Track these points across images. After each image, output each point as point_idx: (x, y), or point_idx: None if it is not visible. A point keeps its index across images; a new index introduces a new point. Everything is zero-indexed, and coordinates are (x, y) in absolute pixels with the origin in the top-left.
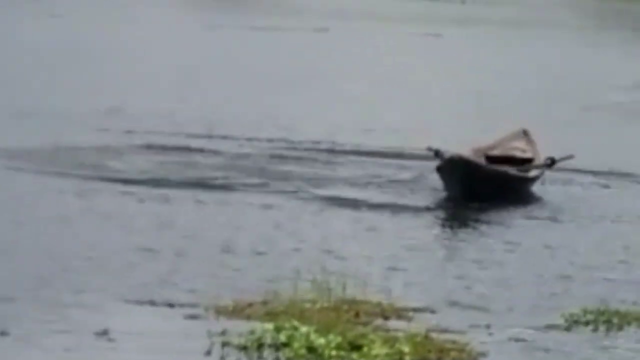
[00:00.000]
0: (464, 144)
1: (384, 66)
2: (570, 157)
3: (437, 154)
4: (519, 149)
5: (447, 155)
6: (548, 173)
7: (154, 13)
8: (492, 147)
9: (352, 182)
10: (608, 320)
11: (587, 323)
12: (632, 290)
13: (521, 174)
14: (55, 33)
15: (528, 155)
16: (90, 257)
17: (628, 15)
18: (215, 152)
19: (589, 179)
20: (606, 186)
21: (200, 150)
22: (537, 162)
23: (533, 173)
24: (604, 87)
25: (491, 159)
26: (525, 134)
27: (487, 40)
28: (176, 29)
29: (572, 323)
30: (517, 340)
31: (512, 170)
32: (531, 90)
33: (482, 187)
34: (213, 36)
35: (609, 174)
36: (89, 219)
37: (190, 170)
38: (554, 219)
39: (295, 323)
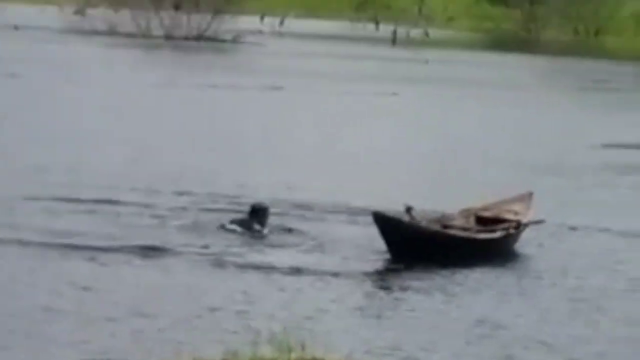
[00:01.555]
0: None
1: (332, 125)
2: (541, 221)
3: (408, 210)
4: (513, 211)
5: (372, 211)
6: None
7: (110, 74)
8: (487, 209)
9: (298, 243)
10: None
11: None
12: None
13: (469, 235)
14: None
15: (519, 218)
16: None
17: (579, 73)
18: (146, 207)
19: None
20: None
21: (125, 205)
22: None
23: (493, 235)
24: (569, 148)
25: (482, 220)
26: (529, 197)
27: (444, 99)
28: (127, 88)
29: None
30: None
31: (456, 232)
32: (488, 151)
33: (411, 246)
34: (166, 94)
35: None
36: None
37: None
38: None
39: None
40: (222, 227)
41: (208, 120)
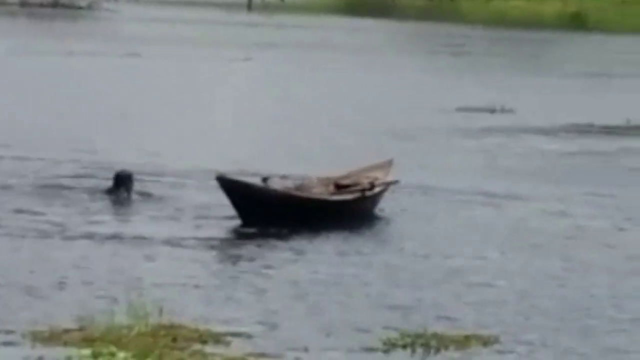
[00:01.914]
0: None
1: (187, 91)
2: (395, 182)
3: (264, 181)
4: (372, 178)
5: (218, 175)
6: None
7: None
8: (347, 177)
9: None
10: (426, 343)
11: (404, 346)
12: (451, 313)
13: (320, 197)
14: None
15: (374, 182)
16: None
17: (431, 37)
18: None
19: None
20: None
21: None
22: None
23: (346, 197)
24: (422, 112)
25: (341, 188)
26: (389, 164)
27: (298, 64)
28: None
29: (390, 346)
30: None
31: (306, 194)
32: (341, 117)
33: (261, 209)
34: (21, 61)
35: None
36: None
37: None
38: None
39: (113, 349)
40: (88, 194)
41: (65, 87)
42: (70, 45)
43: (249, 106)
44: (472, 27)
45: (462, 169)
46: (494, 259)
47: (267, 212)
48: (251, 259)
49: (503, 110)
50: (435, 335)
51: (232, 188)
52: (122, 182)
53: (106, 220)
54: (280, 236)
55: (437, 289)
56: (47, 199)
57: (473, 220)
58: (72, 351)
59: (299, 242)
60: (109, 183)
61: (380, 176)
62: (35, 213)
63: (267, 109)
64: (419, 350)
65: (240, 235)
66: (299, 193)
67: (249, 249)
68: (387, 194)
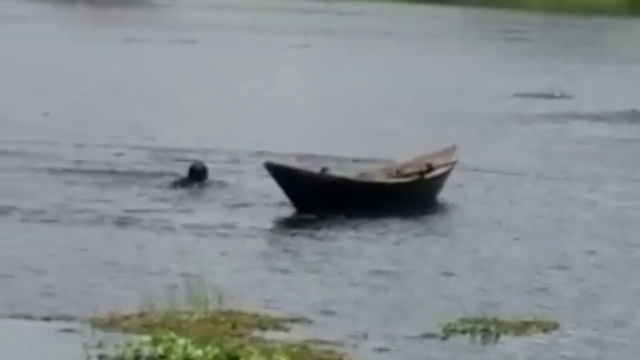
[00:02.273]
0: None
1: (244, 79)
2: (454, 162)
3: (323, 171)
4: (431, 163)
5: (266, 162)
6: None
7: (33, 28)
8: (410, 165)
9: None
10: (485, 328)
11: (464, 332)
12: (510, 299)
13: (374, 180)
14: None
15: (432, 165)
16: None
17: (490, 23)
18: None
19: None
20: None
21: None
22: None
23: (401, 180)
24: (480, 98)
25: (403, 176)
26: (453, 149)
27: (356, 51)
28: (51, 42)
29: (450, 332)
30: (395, 350)
31: (360, 178)
32: (399, 104)
33: (313, 195)
34: (85, 48)
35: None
36: None
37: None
38: (428, 226)
39: (173, 335)
40: (161, 186)
41: (124, 74)
42: (129, 32)
43: (306, 93)
44: (531, 13)
45: (522, 154)
46: (551, 247)
47: (320, 198)
48: (309, 246)
49: (562, 96)
50: (494, 321)
51: (281, 174)
52: (196, 175)
53: (175, 210)
54: (337, 222)
55: (495, 276)
56: (119, 187)
57: (531, 208)
58: (132, 337)
59: (356, 229)
60: (182, 172)
61: (443, 162)
62: (108, 201)
63: (324, 96)
64: (479, 335)
65: (298, 222)
66: (351, 177)
67: (307, 235)
68: (449, 179)
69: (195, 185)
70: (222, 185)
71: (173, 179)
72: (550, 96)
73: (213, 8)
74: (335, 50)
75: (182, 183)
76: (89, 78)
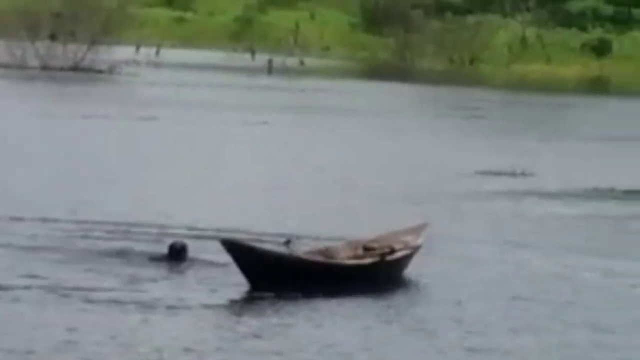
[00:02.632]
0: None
1: (203, 155)
2: (418, 246)
3: (287, 243)
4: (404, 242)
5: (222, 239)
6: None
7: None
8: (377, 240)
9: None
10: None
11: None
12: None
13: (329, 261)
14: None
15: (394, 246)
16: None
17: (450, 100)
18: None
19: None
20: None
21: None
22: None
23: (361, 262)
24: (441, 175)
25: (368, 250)
26: (423, 227)
27: (316, 127)
28: (7, 119)
29: None
30: None
31: (313, 257)
32: (359, 181)
33: (268, 273)
34: (44, 124)
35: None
36: None
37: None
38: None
39: None
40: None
41: (85, 152)
42: (89, 108)
43: (265, 171)
44: (490, 91)
45: (484, 231)
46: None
47: (275, 276)
48: (261, 325)
49: (523, 174)
50: None
51: (236, 250)
52: (176, 253)
53: (151, 289)
54: (292, 300)
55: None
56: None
57: (490, 287)
58: None
59: (312, 306)
60: (161, 250)
61: (412, 240)
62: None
63: (283, 173)
64: None
65: (247, 301)
66: (307, 257)
67: (256, 313)
68: (415, 258)
69: (176, 263)
70: (204, 263)
71: (153, 255)
72: (512, 174)
73: (175, 85)
74: (295, 127)
75: (160, 259)
76: (46, 155)
